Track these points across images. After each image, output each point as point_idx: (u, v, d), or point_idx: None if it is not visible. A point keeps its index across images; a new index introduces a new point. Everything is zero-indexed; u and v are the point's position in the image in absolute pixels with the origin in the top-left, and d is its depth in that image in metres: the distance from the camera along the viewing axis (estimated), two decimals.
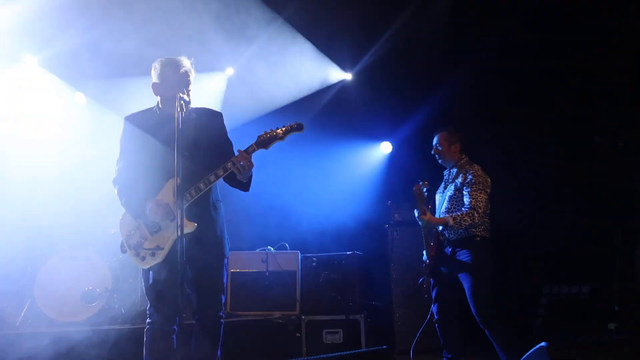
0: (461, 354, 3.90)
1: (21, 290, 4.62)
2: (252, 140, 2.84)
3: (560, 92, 5.45)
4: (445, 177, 4.10)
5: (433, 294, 3.97)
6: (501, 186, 5.05)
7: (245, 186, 2.92)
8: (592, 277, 5.04)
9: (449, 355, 3.89)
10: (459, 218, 3.72)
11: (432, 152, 4.07)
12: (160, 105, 2.97)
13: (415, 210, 3.87)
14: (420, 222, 3.87)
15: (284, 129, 2.83)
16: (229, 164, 2.78)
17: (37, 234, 4.90)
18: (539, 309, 5.18)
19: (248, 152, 2.79)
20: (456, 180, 3.92)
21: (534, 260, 5.53)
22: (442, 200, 4.01)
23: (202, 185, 2.80)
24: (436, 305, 3.94)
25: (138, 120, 2.97)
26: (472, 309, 3.71)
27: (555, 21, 5.26)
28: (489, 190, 3.83)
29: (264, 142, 2.81)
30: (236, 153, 2.81)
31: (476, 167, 3.90)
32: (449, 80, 5.75)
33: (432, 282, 3.97)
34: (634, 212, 4.93)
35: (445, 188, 4.04)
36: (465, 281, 3.76)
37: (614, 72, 5.17)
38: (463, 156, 4.00)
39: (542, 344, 2.18)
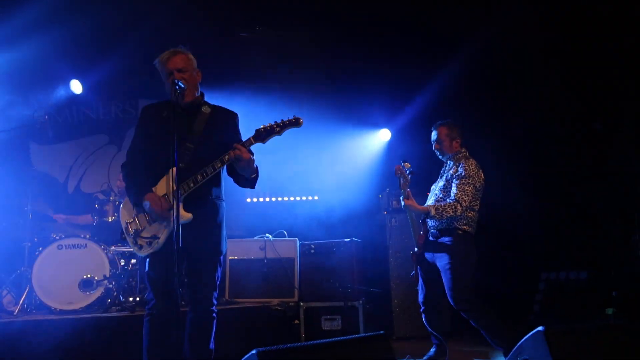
0: (448, 338, 3.93)
1: (19, 278, 4.63)
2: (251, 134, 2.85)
3: (562, 78, 5.42)
4: (442, 170, 4.09)
5: (419, 283, 3.98)
6: (499, 172, 5.04)
7: (250, 183, 2.95)
8: (590, 263, 5.06)
9: (437, 342, 3.91)
10: (441, 208, 3.72)
11: (433, 147, 4.04)
12: (170, 97, 2.98)
13: (402, 195, 3.87)
14: (403, 207, 3.87)
15: (281, 123, 2.83)
16: (226, 156, 2.79)
17: (35, 221, 4.91)
18: (537, 294, 5.20)
19: (245, 145, 2.79)
20: (448, 172, 3.91)
21: (531, 246, 5.54)
22: (433, 190, 4.02)
23: (199, 177, 2.80)
24: (422, 295, 3.94)
25: (152, 111, 3.00)
26: (449, 299, 3.70)
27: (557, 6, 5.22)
28: (478, 185, 3.78)
29: (261, 136, 2.83)
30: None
31: (471, 161, 3.87)
32: (449, 65, 5.72)
33: (419, 271, 3.97)
34: (632, 197, 4.94)
35: (440, 179, 4.04)
36: (442, 270, 3.76)
37: (616, 57, 5.13)
38: (462, 150, 3.98)
39: (539, 328, 2.18)
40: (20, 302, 4.36)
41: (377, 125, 6.40)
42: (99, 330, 3.93)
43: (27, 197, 4.91)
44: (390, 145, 6.42)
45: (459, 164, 3.86)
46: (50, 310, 4.33)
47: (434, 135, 4.03)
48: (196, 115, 2.92)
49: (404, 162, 3.89)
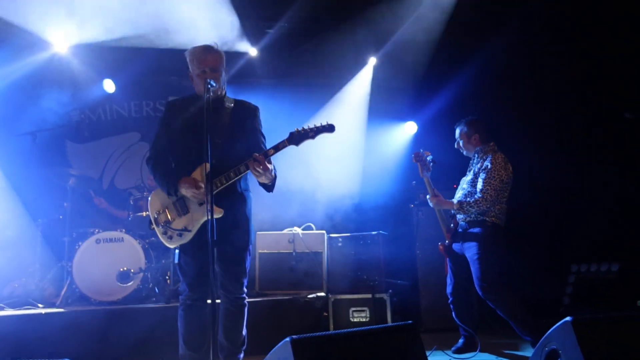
0: (476, 330, 3.95)
1: (61, 271, 4.84)
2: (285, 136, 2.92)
3: (591, 69, 5.32)
4: (470, 163, 4.11)
5: (448, 274, 4.01)
6: (530, 164, 4.98)
7: (268, 188, 2.98)
8: (621, 256, 4.98)
9: (465, 333, 3.94)
10: (465, 204, 3.76)
11: (455, 146, 4.10)
12: (196, 92, 3.06)
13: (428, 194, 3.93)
14: (431, 205, 3.93)
15: (315, 128, 2.91)
16: (242, 167, 2.85)
17: (75, 218, 5.11)
18: (567, 287, 5.15)
19: (278, 148, 2.87)
20: (475, 166, 3.94)
21: (562, 239, 5.48)
22: (461, 184, 4.05)
23: (232, 174, 2.88)
24: (451, 285, 3.98)
25: (177, 106, 3.08)
26: (477, 289, 3.72)
27: None
28: (505, 178, 3.79)
29: (295, 139, 2.90)
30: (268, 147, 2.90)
31: (498, 154, 3.88)
32: (476, 57, 5.67)
33: (448, 262, 4.01)
34: None
35: (468, 172, 4.07)
36: (471, 261, 3.78)
37: None
38: (491, 144, 3.99)
39: (567, 318, 2.19)
40: (62, 293, 4.55)
41: (403, 117, 6.39)
42: (136, 320, 4.08)
43: (65, 193, 5.11)
44: (417, 138, 6.41)
45: (486, 157, 3.88)
46: (90, 301, 4.50)
47: (455, 134, 4.12)
48: (220, 111, 2.98)
49: (424, 150, 3.95)
